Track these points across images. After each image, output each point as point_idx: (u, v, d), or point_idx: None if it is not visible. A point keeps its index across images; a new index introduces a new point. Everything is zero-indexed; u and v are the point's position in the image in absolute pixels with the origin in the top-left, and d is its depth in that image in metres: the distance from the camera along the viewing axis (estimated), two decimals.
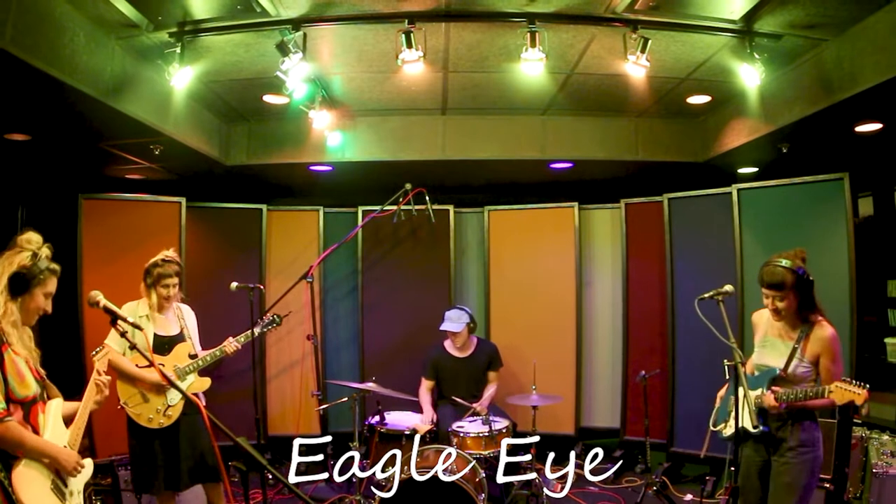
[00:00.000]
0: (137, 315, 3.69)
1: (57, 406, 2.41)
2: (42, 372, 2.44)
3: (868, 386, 2.63)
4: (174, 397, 3.65)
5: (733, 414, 3.02)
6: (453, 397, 4.68)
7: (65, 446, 2.35)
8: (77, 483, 2.38)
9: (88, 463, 2.47)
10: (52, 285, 2.43)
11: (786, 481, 2.83)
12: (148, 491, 3.67)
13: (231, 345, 3.95)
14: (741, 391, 2.80)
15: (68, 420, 2.42)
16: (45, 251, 2.41)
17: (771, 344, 3.00)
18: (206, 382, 3.88)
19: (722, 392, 3.24)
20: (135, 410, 3.57)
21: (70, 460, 2.31)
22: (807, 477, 2.82)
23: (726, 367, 3.06)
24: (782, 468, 2.85)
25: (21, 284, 2.31)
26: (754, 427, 2.78)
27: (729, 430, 3.03)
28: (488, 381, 5.06)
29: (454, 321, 4.90)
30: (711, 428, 3.21)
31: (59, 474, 2.29)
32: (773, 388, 2.86)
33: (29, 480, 2.17)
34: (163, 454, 3.62)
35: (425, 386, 5.05)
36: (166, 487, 3.64)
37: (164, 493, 3.70)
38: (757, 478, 2.96)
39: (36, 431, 2.29)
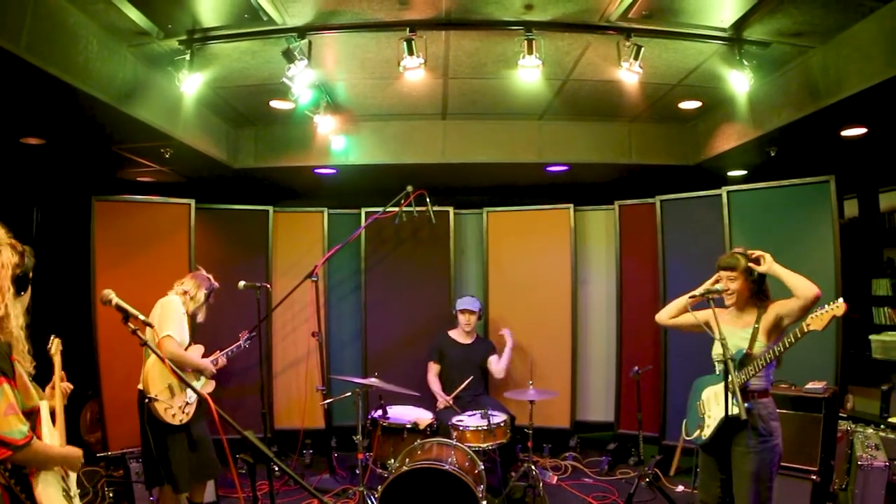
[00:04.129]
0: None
1: (45, 409, 2.25)
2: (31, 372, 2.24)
3: (841, 299, 2.70)
4: (192, 395, 3.72)
5: (707, 414, 3.11)
6: (453, 395, 4.80)
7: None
8: (73, 484, 2.29)
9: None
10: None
11: (748, 470, 2.89)
12: (160, 484, 3.70)
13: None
14: (731, 382, 2.83)
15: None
16: (12, 240, 2.14)
17: (728, 335, 3.03)
18: (212, 385, 3.98)
19: None
20: (163, 405, 3.60)
21: (78, 458, 2.25)
22: (768, 466, 2.90)
23: (716, 364, 3.15)
24: (744, 458, 2.91)
25: (23, 282, 2.12)
26: (741, 410, 2.84)
27: (708, 430, 3.06)
28: (490, 364, 5.23)
29: (470, 303, 5.16)
30: (685, 437, 3.26)
31: (65, 479, 2.23)
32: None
33: (51, 493, 2.10)
34: (180, 451, 3.67)
35: (433, 371, 5.18)
36: (179, 483, 3.66)
37: (195, 486, 3.79)
38: (717, 482, 3.04)
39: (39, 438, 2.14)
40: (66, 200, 5.77)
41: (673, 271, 5.42)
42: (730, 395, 2.83)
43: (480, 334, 5.58)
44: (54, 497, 2.10)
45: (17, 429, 1.95)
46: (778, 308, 2.97)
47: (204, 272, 4.15)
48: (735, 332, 3.06)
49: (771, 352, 2.86)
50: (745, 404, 2.87)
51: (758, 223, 4.92)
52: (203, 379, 3.91)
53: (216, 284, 4.13)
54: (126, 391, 4.02)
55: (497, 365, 5.20)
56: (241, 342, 4.49)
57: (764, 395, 3.00)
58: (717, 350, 3.10)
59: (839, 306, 2.69)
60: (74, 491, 2.27)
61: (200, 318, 4.07)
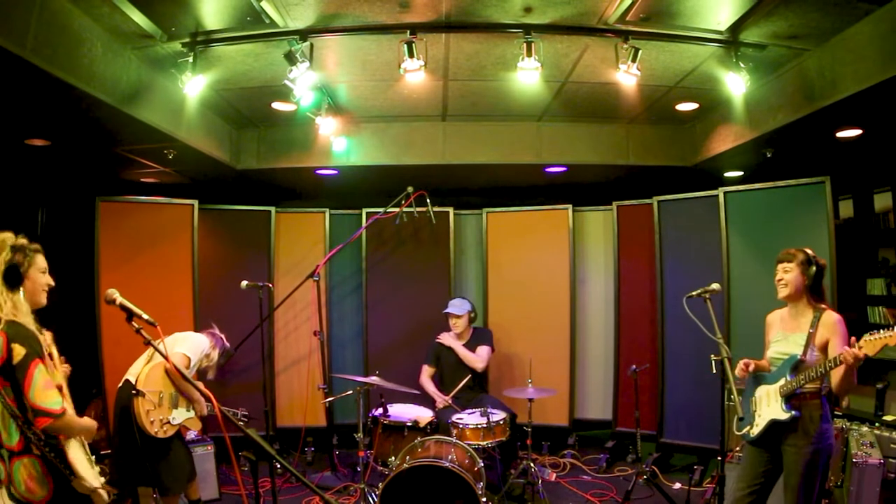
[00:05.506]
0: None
1: (65, 386, 2.47)
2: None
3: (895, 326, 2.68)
4: (176, 417, 3.66)
5: (758, 412, 3.11)
6: (452, 397, 4.84)
7: None
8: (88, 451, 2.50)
9: None
10: (42, 261, 2.45)
11: (797, 470, 2.91)
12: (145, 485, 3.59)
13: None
14: (731, 384, 2.94)
15: None
16: (18, 239, 2.40)
17: (784, 338, 3.11)
18: (198, 423, 3.89)
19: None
20: (147, 405, 3.48)
21: (94, 428, 2.48)
22: (817, 467, 2.91)
23: (713, 363, 3.20)
24: (793, 458, 2.94)
25: (16, 276, 2.32)
26: (786, 413, 2.92)
27: (756, 428, 3.08)
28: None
29: (457, 306, 5.15)
30: (737, 432, 3.27)
31: (84, 446, 2.44)
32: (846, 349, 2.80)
33: (80, 457, 2.37)
34: (170, 457, 3.61)
35: (426, 373, 5.20)
36: (171, 490, 3.60)
37: (188, 487, 3.80)
38: (762, 476, 3.08)
39: None
40: (71, 201, 5.80)
41: (670, 271, 5.46)
42: (726, 399, 2.86)
43: (480, 326, 5.60)
44: (82, 460, 2.38)
45: (55, 400, 2.25)
46: (829, 336, 2.96)
47: (217, 330, 4.20)
48: (791, 336, 3.09)
49: (822, 365, 2.87)
50: (794, 412, 2.93)
51: (754, 223, 4.94)
52: (192, 412, 3.79)
53: (228, 345, 4.22)
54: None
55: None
56: (238, 413, 4.44)
57: (815, 397, 2.99)
58: (773, 351, 3.15)
59: (893, 335, 2.66)
60: (91, 457, 2.50)
61: (211, 375, 4.13)
